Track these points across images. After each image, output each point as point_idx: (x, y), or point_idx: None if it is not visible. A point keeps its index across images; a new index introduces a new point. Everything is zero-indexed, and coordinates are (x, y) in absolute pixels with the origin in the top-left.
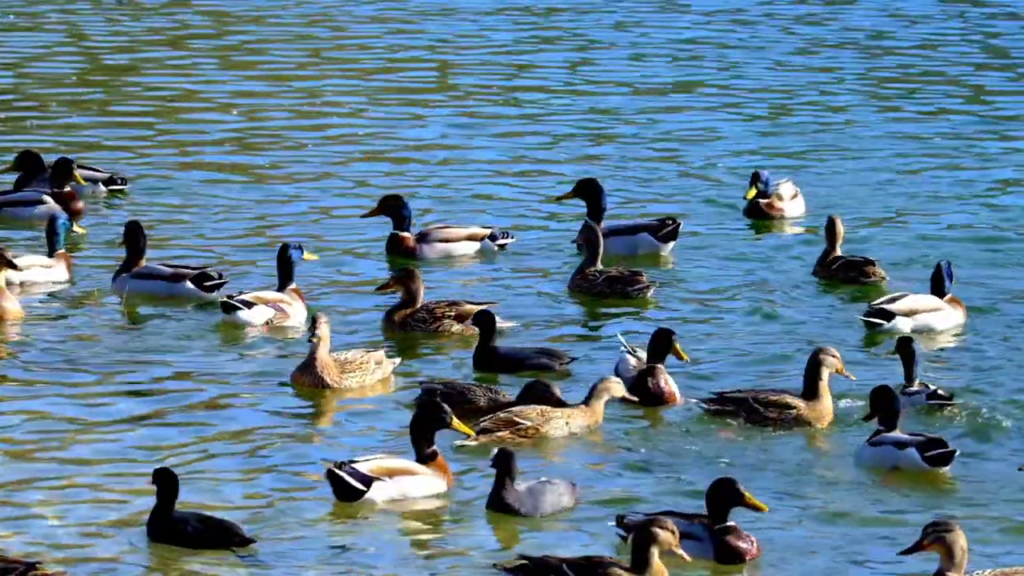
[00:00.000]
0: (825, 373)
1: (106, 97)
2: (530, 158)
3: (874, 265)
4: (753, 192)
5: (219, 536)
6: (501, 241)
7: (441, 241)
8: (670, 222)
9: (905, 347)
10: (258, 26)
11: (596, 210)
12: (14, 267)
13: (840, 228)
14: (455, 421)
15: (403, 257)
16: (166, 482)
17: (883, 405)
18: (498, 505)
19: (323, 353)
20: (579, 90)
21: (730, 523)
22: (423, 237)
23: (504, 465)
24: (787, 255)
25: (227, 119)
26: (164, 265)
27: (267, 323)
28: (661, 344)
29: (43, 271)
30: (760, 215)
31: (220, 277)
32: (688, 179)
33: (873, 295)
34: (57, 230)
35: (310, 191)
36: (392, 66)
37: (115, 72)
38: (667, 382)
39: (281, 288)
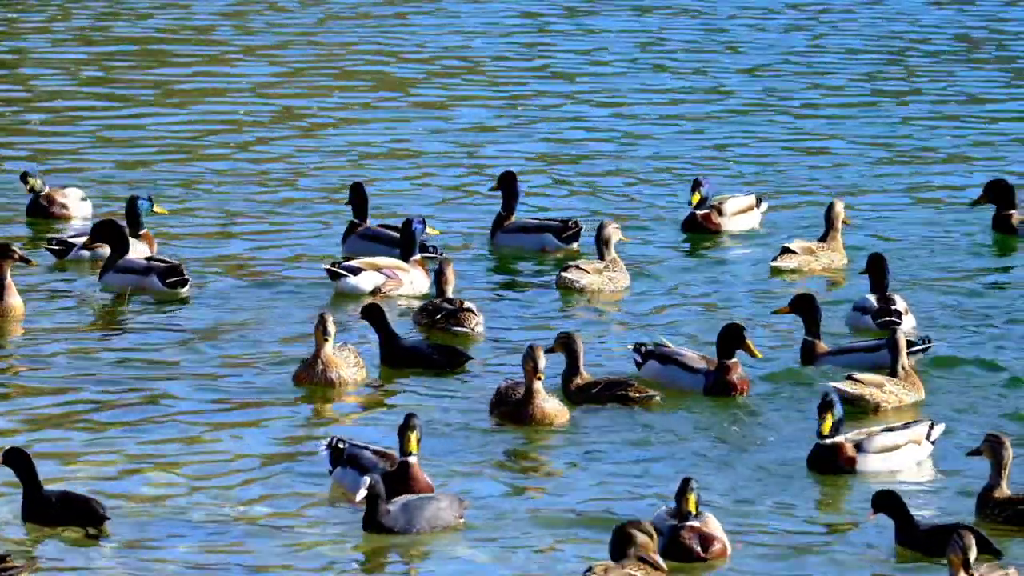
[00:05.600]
0: (904, 351)
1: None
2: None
3: (788, 253)
4: (697, 197)
5: (80, 514)
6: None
7: (363, 239)
8: (572, 224)
9: (807, 302)
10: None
11: (509, 204)
12: (27, 262)
13: (839, 212)
14: (411, 435)
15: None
16: (19, 461)
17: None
18: (372, 527)
19: (329, 350)
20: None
21: (692, 522)
22: (359, 232)
23: (372, 489)
24: (720, 267)
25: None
26: (149, 259)
27: (376, 291)
28: (732, 340)
29: (135, 245)
30: (697, 229)
31: (184, 274)
32: (642, 187)
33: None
34: (138, 211)
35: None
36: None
37: (116, 69)
38: (743, 377)
39: (403, 261)
